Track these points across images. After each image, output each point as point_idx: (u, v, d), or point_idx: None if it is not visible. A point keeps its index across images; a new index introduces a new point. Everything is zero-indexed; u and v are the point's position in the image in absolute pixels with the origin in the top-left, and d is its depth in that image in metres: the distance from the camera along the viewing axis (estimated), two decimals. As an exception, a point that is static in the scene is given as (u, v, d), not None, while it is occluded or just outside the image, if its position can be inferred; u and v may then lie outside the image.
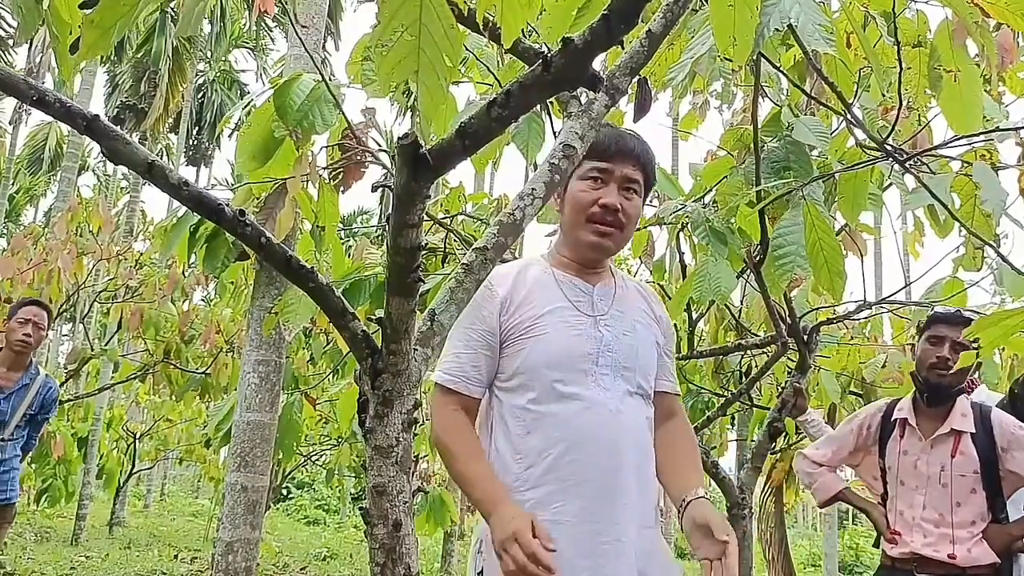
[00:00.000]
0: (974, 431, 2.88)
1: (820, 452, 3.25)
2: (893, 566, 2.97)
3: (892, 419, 3.05)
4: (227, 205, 1.45)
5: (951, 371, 2.87)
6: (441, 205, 4.41)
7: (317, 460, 11.33)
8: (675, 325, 3.51)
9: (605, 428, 1.69)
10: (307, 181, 3.39)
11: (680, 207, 3.11)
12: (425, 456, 8.05)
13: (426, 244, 1.77)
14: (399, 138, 1.24)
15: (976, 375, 3.57)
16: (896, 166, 2.57)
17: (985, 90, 2.56)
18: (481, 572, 1.73)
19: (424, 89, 1.07)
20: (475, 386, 1.75)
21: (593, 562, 1.63)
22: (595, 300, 1.80)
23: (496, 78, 2.84)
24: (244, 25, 24.52)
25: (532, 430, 1.70)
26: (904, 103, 2.40)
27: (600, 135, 1.75)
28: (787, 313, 3.37)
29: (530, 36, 2.53)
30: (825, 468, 3.21)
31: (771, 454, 5.22)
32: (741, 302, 4.56)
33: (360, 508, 1.55)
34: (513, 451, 1.71)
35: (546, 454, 1.68)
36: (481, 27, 1.99)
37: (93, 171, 29.77)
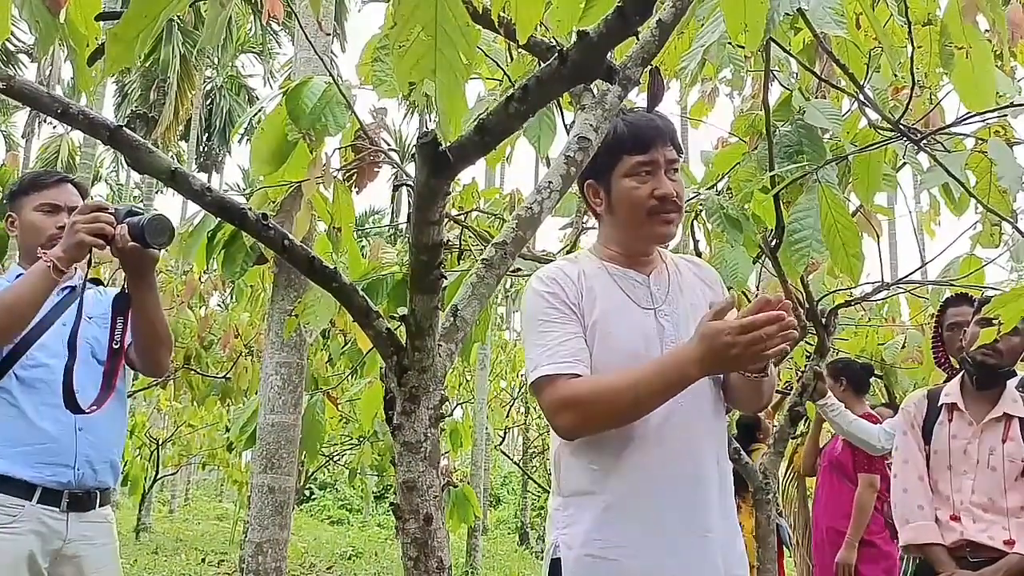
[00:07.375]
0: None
1: (911, 482, 2.91)
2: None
3: (939, 404, 2.96)
4: (250, 209, 1.47)
5: (1001, 352, 2.79)
6: (454, 203, 4.42)
7: (339, 460, 11.35)
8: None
9: (676, 418, 1.66)
10: (322, 183, 3.41)
11: (693, 195, 3.11)
12: (446, 452, 8.08)
13: (448, 241, 1.79)
14: (418, 136, 1.26)
15: None
16: (910, 145, 2.57)
17: (997, 66, 2.55)
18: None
19: (442, 88, 1.09)
20: (583, 366, 1.65)
21: (678, 560, 1.63)
22: (652, 291, 1.76)
23: (506, 74, 2.85)
24: (249, 30, 24.63)
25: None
26: (916, 82, 2.40)
27: (629, 126, 1.74)
28: (805, 297, 3.36)
29: (537, 30, 2.54)
30: (928, 511, 2.87)
31: (792, 439, 5.20)
32: (757, 287, 4.55)
33: (391, 504, 1.58)
34: (588, 452, 1.69)
35: (621, 452, 1.65)
36: (496, 24, 2.00)
37: (106, 181, 29.94)
